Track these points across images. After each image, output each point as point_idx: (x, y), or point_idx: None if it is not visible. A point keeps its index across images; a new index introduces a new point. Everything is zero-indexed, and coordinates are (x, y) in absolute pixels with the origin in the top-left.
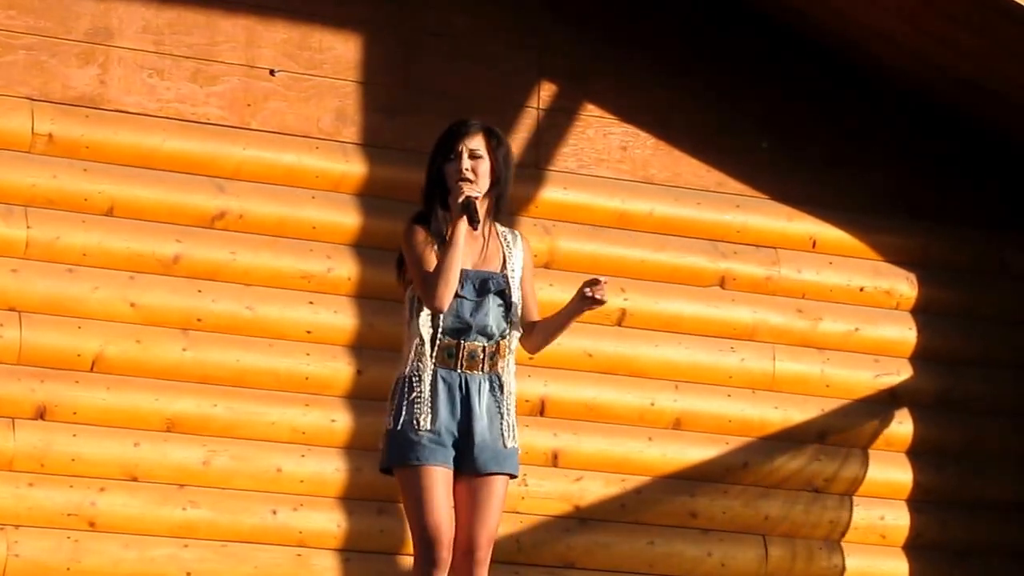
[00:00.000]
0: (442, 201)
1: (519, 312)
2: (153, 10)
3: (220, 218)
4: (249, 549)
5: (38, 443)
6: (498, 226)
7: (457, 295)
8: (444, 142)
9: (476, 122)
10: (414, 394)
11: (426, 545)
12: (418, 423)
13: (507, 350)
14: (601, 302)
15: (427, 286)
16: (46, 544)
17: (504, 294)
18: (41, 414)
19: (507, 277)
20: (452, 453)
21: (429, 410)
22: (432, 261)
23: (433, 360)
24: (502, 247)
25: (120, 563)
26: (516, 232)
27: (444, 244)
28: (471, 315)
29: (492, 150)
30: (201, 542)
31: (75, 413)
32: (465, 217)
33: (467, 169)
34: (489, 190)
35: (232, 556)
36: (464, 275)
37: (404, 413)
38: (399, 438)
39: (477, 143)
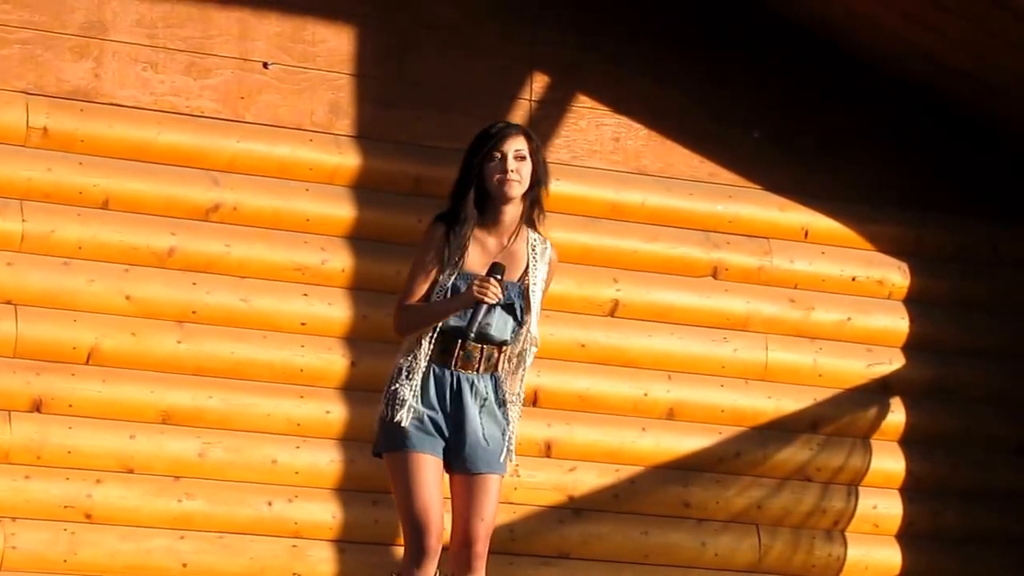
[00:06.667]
0: (477, 201)
1: (534, 327)
2: (147, 3)
3: (214, 211)
4: (245, 540)
5: (34, 436)
6: (530, 233)
7: None
8: (484, 143)
9: (516, 124)
10: (404, 383)
11: (415, 531)
12: (404, 411)
13: (511, 357)
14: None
15: (404, 314)
16: (43, 536)
17: (512, 308)
18: (37, 407)
19: (525, 288)
20: (440, 444)
21: (415, 400)
22: (431, 279)
23: (429, 355)
24: (527, 256)
25: (116, 555)
26: (547, 242)
27: (456, 249)
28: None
29: (532, 152)
30: (197, 534)
31: (71, 406)
32: (473, 310)
33: (513, 170)
34: (525, 193)
35: (228, 548)
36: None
37: (393, 401)
38: (388, 425)
39: (520, 144)
